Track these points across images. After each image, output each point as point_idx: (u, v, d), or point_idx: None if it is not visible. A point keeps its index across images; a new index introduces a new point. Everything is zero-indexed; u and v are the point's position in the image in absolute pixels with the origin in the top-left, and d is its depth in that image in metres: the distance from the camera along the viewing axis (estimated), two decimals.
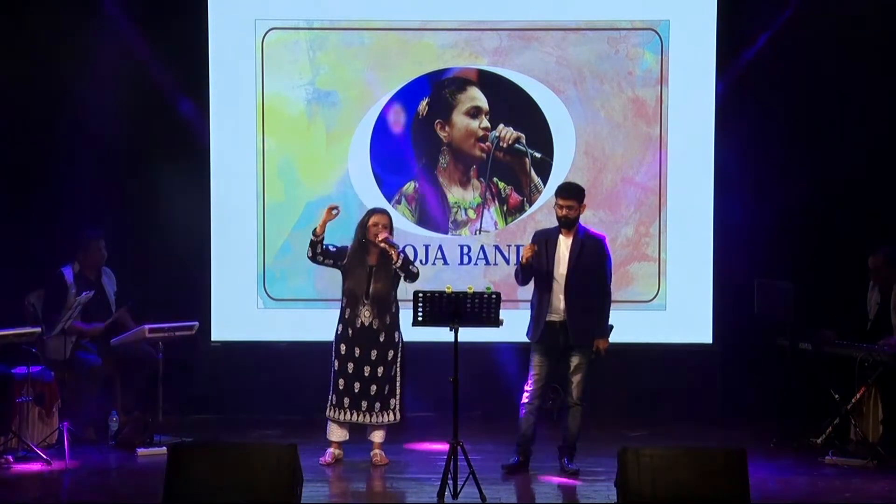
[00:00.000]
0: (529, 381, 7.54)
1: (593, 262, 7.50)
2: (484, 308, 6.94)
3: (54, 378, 8.18)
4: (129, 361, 8.51)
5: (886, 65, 9.22)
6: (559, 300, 7.46)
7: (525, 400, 7.55)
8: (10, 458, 7.69)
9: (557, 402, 8.51)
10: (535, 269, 7.50)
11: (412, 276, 7.63)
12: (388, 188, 9.50)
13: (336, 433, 7.77)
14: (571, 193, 7.50)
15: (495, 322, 7.05)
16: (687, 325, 9.37)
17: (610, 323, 7.58)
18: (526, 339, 7.66)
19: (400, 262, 7.57)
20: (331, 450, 7.80)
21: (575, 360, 7.49)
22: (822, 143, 9.33)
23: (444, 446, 7.08)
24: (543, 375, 7.53)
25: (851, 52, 9.19)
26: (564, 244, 7.50)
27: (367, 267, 7.63)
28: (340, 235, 7.93)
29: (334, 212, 7.64)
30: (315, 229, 7.64)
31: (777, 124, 9.31)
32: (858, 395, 8.06)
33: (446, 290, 6.91)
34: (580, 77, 9.42)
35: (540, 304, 7.51)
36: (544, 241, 7.54)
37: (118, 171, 9.38)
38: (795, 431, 8.42)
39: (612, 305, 7.64)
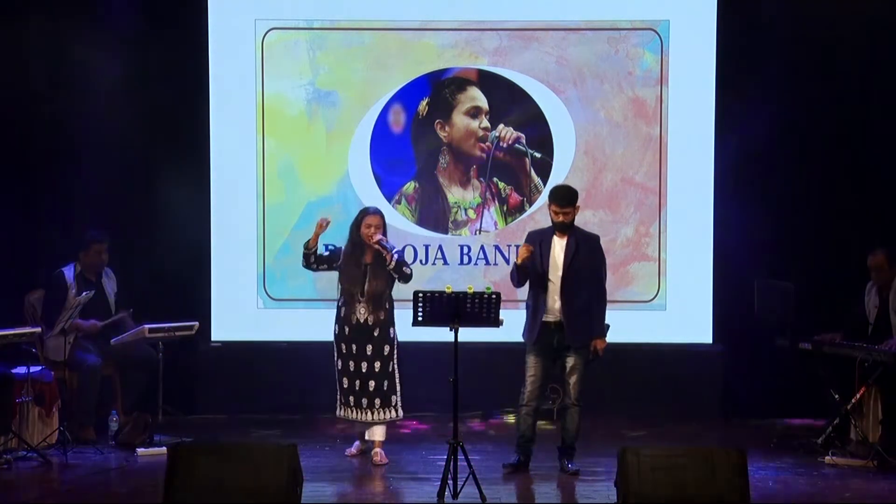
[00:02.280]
0: (526, 383, 7.54)
1: (589, 262, 7.49)
2: (484, 308, 6.93)
3: (54, 378, 8.18)
4: (129, 361, 8.51)
5: (887, 64, 9.21)
6: (555, 301, 7.45)
7: (522, 401, 7.55)
8: (10, 457, 7.69)
9: (559, 403, 8.52)
10: (530, 270, 7.49)
11: (405, 278, 7.67)
12: (388, 188, 9.51)
13: (360, 427, 7.85)
14: (568, 201, 7.46)
15: (495, 322, 7.05)
16: (687, 325, 9.38)
17: (606, 322, 7.57)
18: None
19: (394, 263, 7.60)
20: (358, 442, 7.92)
21: (571, 361, 7.48)
22: (822, 143, 9.33)
23: (443, 446, 7.08)
24: (540, 376, 7.52)
25: (852, 51, 9.19)
26: (559, 245, 7.49)
27: (362, 265, 7.66)
28: (337, 235, 7.94)
29: (326, 224, 7.68)
30: (307, 242, 7.70)
31: (777, 124, 9.30)
32: (858, 395, 8.06)
33: (446, 290, 6.91)
34: (580, 77, 9.42)
35: (536, 306, 7.49)
36: (538, 242, 7.52)
37: (118, 172, 9.36)
38: (795, 431, 8.42)
39: (613, 305, 7.64)
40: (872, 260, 8.27)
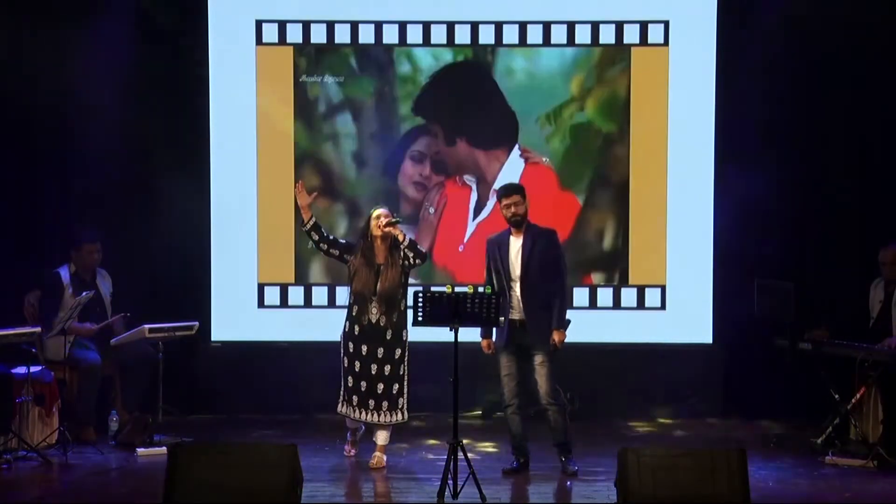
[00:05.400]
0: (503, 383, 7.54)
1: (546, 258, 7.50)
2: (484, 308, 6.94)
3: (54, 378, 8.18)
4: (129, 361, 8.50)
5: (886, 62, 9.21)
6: (517, 300, 7.47)
7: (505, 402, 7.56)
8: (10, 457, 7.69)
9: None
10: (493, 274, 7.54)
11: (421, 256, 7.66)
12: None
13: (351, 423, 7.84)
14: (513, 190, 7.56)
15: (495, 322, 7.06)
16: (687, 325, 9.38)
17: (567, 318, 7.55)
18: None
19: (407, 241, 7.59)
20: (350, 435, 7.94)
21: (537, 360, 7.47)
22: (823, 142, 9.33)
23: (443, 446, 7.08)
24: (515, 374, 7.53)
25: (851, 51, 9.19)
26: (515, 245, 7.51)
27: (374, 266, 7.63)
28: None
29: (302, 187, 7.69)
30: (302, 221, 7.70)
31: (777, 124, 9.31)
32: (858, 396, 8.06)
33: (446, 290, 6.91)
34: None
35: (504, 306, 7.46)
36: (497, 246, 7.56)
37: (118, 171, 9.35)
38: (795, 431, 8.42)
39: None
40: (885, 254, 8.26)
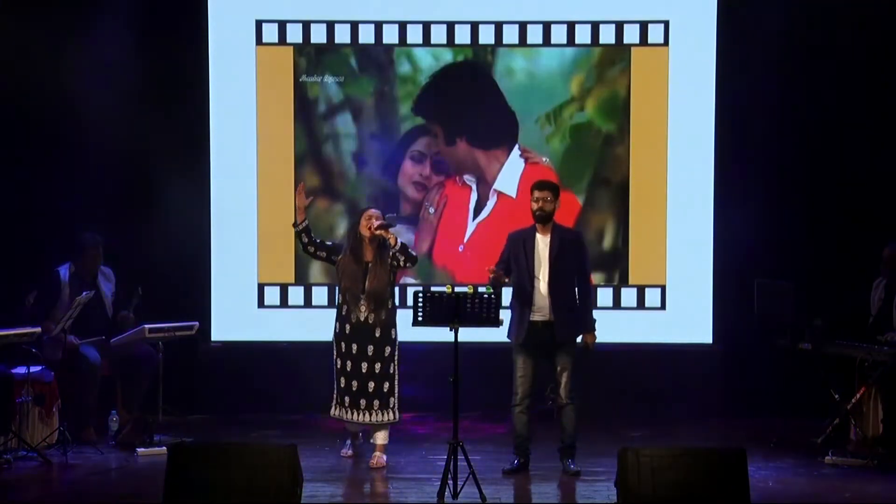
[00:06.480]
0: (517, 383, 7.52)
1: (573, 258, 7.49)
2: (484, 308, 6.93)
3: (54, 378, 8.18)
4: (129, 361, 8.50)
5: (886, 62, 9.22)
6: (543, 299, 7.44)
7: (515, 401, 7.55)
8: (10, 457, 7.69)
9: (557, 402, 8.51)
10: (514, 271, 7.51)
11: (412, 259, 7.66)
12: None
13: (351, 427, 7.84)
14: (547, 185, 7.53)
15: (495, 322, 7.04)
16: (687, 325, 9.38)
17: (593, 318, 7.56)
18: None
19: (398, 244, 7.58)
20: (350, 441, 7.92)
21: (561, 360, 7.47)
22: (822, 142, 9.33)
23: (443, 446, 7.08)
24: (530, 375, 7.51)
25: (852, 51, 9.20)
26: (542, 242, 7.48)
27: (363, 264, 7.63)
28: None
29: (305, 194, 7.72)
30: (295, 221, 7.70)
31: (777, 124, 9.31)
32: (858, 395, 8.06)
33: (446, 289, 6.91)
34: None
35: (522, 305, 7.46)
36: (521, 242, 7.52)
37: (118, 172, 9.36)
38: (795, 431, 8.42)
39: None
40: (889, 253, 8.26)
